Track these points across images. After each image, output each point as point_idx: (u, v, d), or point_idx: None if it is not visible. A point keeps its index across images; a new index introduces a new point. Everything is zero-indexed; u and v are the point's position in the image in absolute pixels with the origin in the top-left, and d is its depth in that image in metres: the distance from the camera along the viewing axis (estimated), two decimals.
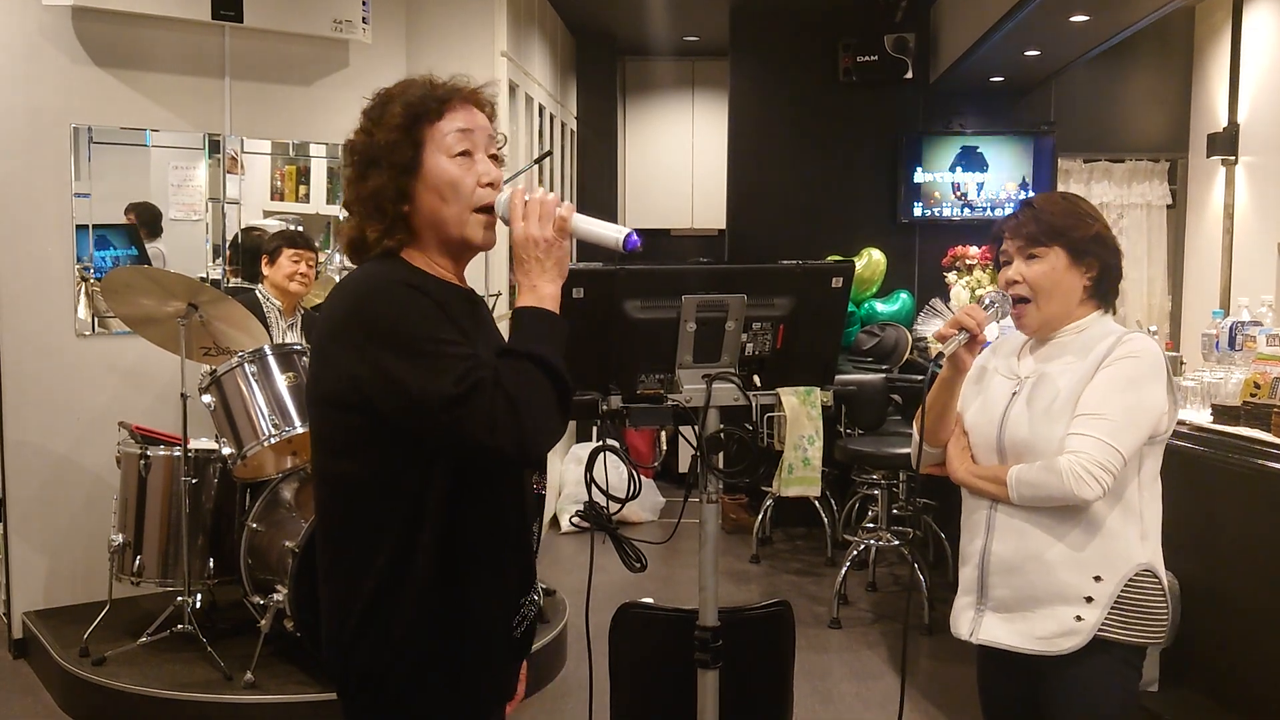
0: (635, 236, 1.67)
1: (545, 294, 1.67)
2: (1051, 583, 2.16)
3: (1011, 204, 6.81)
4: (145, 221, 4.75)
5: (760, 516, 6.26)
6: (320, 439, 1.74)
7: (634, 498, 2.02)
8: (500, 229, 1.77)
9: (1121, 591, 2.14)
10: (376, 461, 1.66)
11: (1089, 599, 2.14)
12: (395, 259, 1.72)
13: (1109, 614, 2.13)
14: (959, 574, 2.34)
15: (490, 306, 4.92)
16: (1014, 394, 2.25)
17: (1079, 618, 2.14)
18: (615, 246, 1.68)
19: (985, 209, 6.84)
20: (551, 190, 1.78)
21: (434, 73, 1.78)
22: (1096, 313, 2.25)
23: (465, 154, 1.72)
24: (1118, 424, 2.09)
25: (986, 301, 2.24)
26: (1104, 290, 2.25)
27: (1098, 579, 2.14)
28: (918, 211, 6.86)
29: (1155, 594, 2.17)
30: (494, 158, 1.77)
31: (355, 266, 1.77)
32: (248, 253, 4.89)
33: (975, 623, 2.27)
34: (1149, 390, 2.13)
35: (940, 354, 2.23)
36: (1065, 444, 2.11)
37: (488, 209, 1.73)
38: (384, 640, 1.67)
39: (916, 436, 2.34)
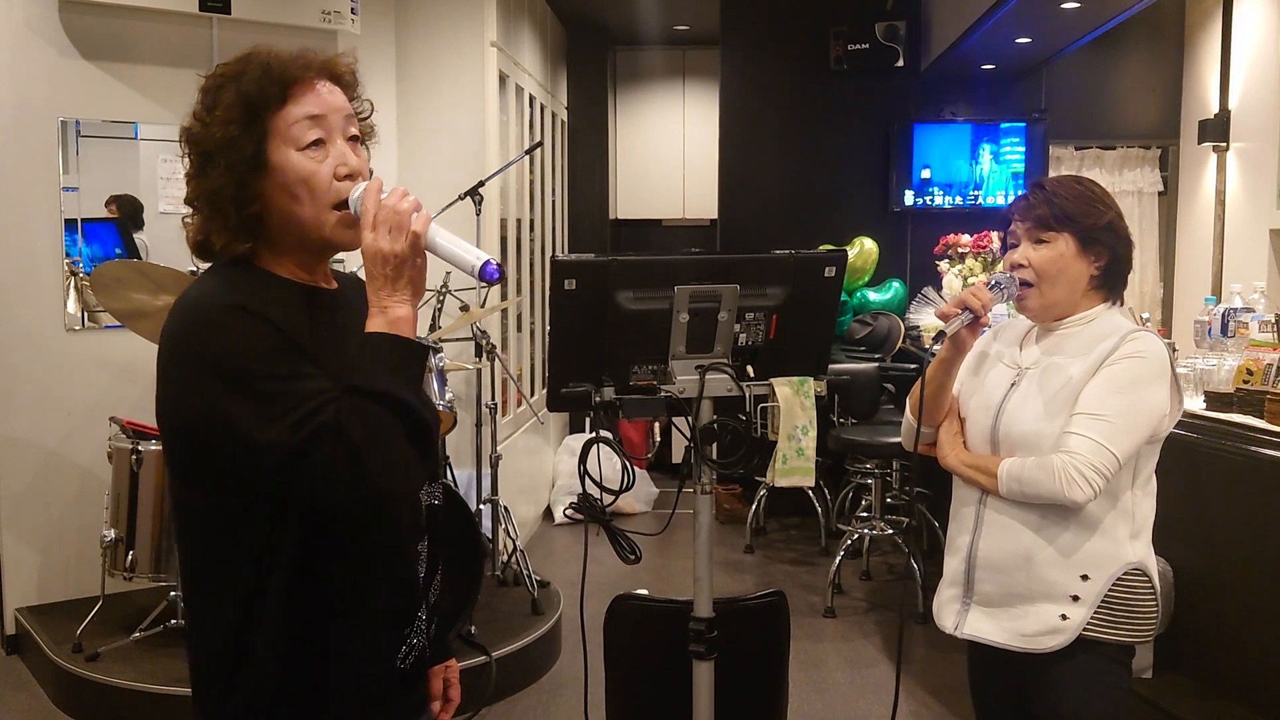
0: (493, 266, 1.47)
1: (396, 316, 1.46)
2: (1038, 580, 2.12)
3: (1004, 192, 6.81)
4: (128, 213, 4.72)
5: (754, 506, 6.27)
6: (168, 462, 1.59)
7: (628, 489, 2.01)
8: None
9: (1110, 591, 2.10)
10: (221, 494, 1.49)
11: (1075, 598, 2.10)
12: (240, 268, 1.53)
13: (1096, 613, 2.10)
14: (945, 565, 2.31)
15: (482, 300, 4.91)
16: (1013, 384, 2.21)
17: (1064, 616, 2.11)
18: (471, 273, 1.48)
19: (977, 197, 6.84)
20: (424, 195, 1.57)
21: (279, 43, 1.56)
22: (1104, 305, 2.20)
23: (317, 143, 1.51)
24: (1116, 426, 2.05)
25: (993, 282, 2.18)
26: (1112, 281, 2.20)
27: (1085, 578, 2.10)
28: (909, 200, 6.85)
29: (1145, 593, 2.13)
30: (356, 139, 1.56)
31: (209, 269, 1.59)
32: None
33: (960, 616, 2.24)
34: (1150, 392, 2.09)
35: (941, 335, 2.18)
36: (1060, 442, 2.07)
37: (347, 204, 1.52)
38: (245, 686, 1.51)
39: (910, 416, 2.31)
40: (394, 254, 1.45)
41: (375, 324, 1.47)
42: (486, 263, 1.48)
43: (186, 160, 1.54)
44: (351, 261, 3.95)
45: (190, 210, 1.56)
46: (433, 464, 1.62)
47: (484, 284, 1.54)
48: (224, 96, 1.50)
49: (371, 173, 1.58)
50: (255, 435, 1.40)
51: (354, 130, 1.56)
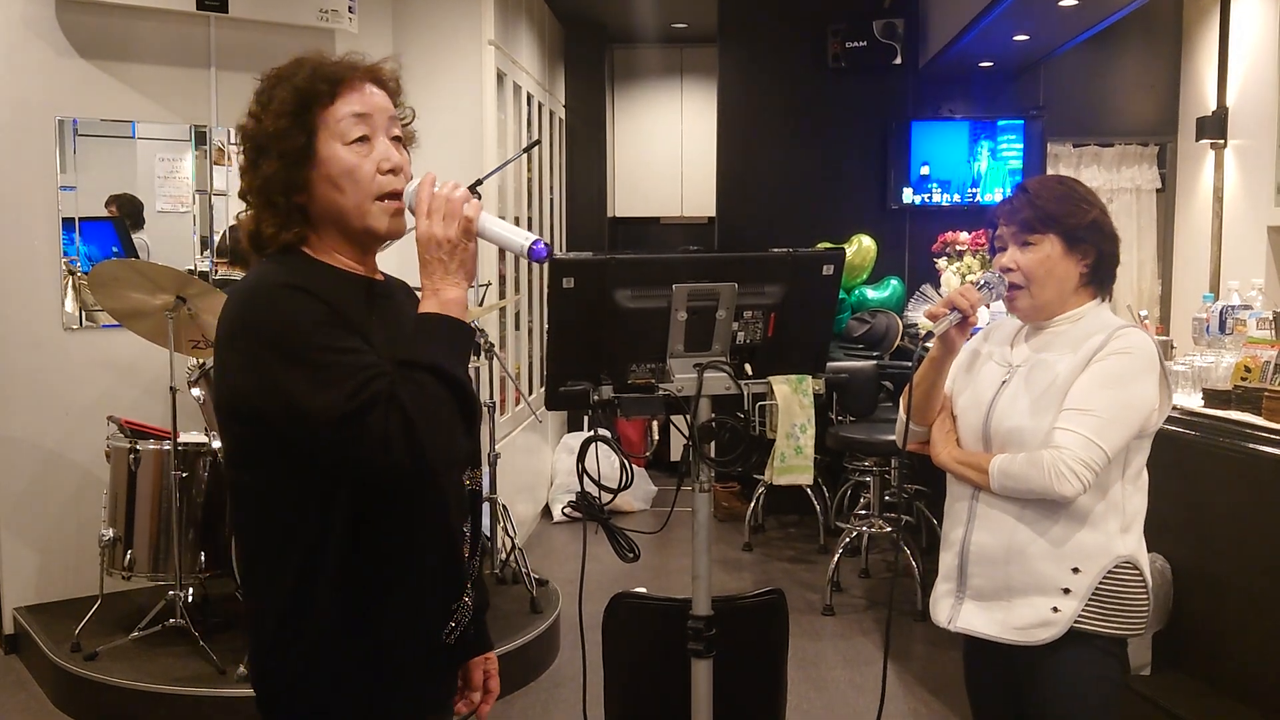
0: (542, 245, 1.58)
1: (449, 298, 1.55)
2: (1029, 574, 2.15)
3: (1002, 189, 6.82)
4: (127, 213, 4.73)
5: (752, 504, 6.27)
6: (226, 448, 1.67)
7: (626, 488, 2.01)
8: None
9: (1100, 583, 2.12)
10: (276, 473, 1.57)
11: (1066, 590, 2.12)
12: (291, 255, 1.62)
13: (1087, 605, 2.12)
14: (940, 560, 2.34)
15: (480, 299, 4.91)
16: (1003, 382, 2.23)
17: (1056, 609, 2.12)
18: (520, 254, 1.59)
19: (975, 195, 6.84)
20: (479, 187, 1.70)
21: (347, 51, 1.68)
22: (1093, 302, 2.22)
23: (363, 139, 1.61)
24: (1104, 421, 2.07)
25: (981, 282, 2.21)
26: (1100, 278, 2.22)
27: (1076, 571, 2.13)
28: (908, 197, 6.86)
29: (1135, 586, 2.15)
30: (398, 139, 1.67)
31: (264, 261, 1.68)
32: (236, 245, 4.86)
33: (954, 610, 2.26)
34: (1139, 387, 2.11)
35: (930, 334, 2.21)
36: (1050, 438, 2.09)
37: (391, 196, 1.62)
38: (296, 657, 1.59)
39: (902, 414, 2.34)
40: (448, 239, 1.55)
41: (428, 305, 1.56)
42: (535, 243, 1.58)
43: (241, 157, 1.65)
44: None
45: (244, 205, 1.65)
46: (475, 445, 1.70)
47: (535, 263, 1.62)
48: (278, 93, 1.60)
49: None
50: (310, 403, 1.46)
51: (397, 131, 1.67)
